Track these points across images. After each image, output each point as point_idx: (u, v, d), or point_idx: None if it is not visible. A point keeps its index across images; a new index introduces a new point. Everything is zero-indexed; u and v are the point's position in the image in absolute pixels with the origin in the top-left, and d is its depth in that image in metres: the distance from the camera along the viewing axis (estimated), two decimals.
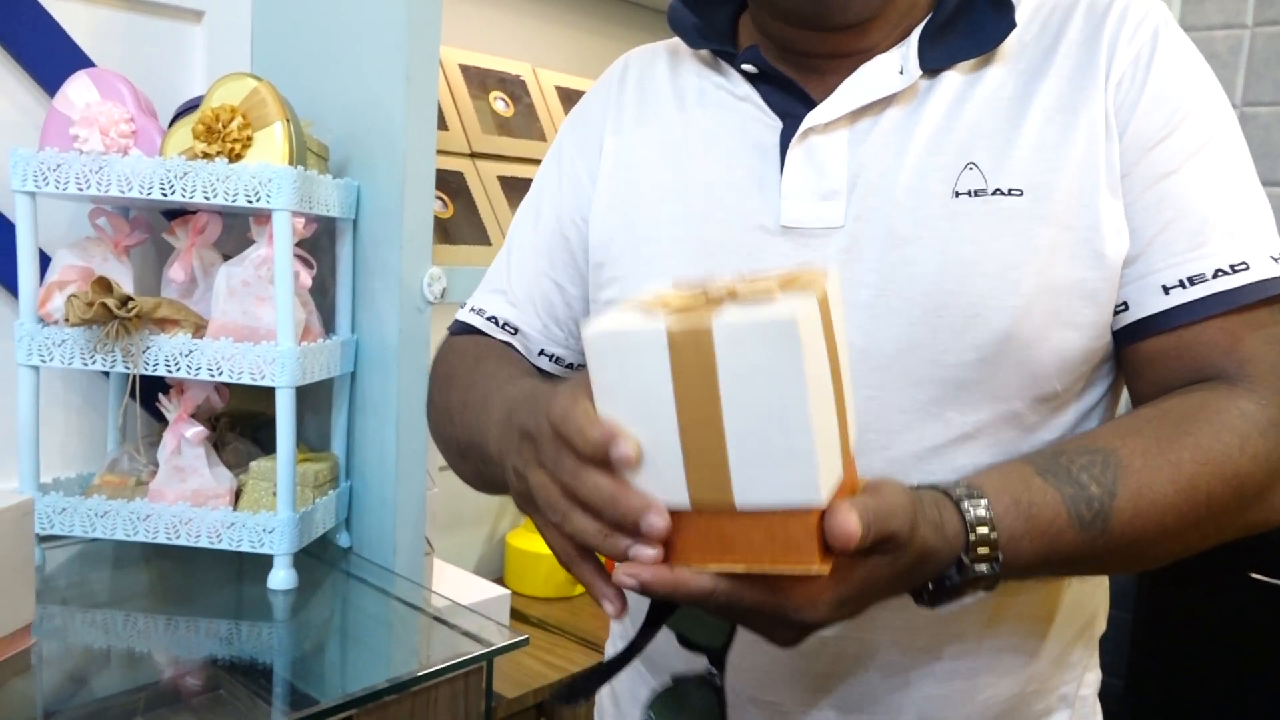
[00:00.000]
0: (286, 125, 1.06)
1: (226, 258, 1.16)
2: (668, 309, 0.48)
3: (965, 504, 0.55)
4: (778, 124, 0.69)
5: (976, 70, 0.66)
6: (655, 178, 0.73)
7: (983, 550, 0.54)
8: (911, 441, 0.63)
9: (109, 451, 1.24)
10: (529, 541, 1.68)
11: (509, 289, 0.82)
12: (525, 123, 1.47)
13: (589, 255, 0.77)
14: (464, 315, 0.85)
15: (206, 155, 1.03)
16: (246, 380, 1.05)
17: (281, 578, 1.09)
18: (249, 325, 1.08)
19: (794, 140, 0.67)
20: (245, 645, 1.01)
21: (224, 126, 1.03)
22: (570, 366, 0.83)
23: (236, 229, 1.19)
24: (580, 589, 1.70)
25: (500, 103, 1.45)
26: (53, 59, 1.17)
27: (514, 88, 1.48)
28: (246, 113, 1.04)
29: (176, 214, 1.24)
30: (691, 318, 0.46)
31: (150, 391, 1.28)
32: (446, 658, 0.97)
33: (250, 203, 1.02)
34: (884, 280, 0.64)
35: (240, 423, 1.31)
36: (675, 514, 0.48)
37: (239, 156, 1.04)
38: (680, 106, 0.75)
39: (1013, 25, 0.65)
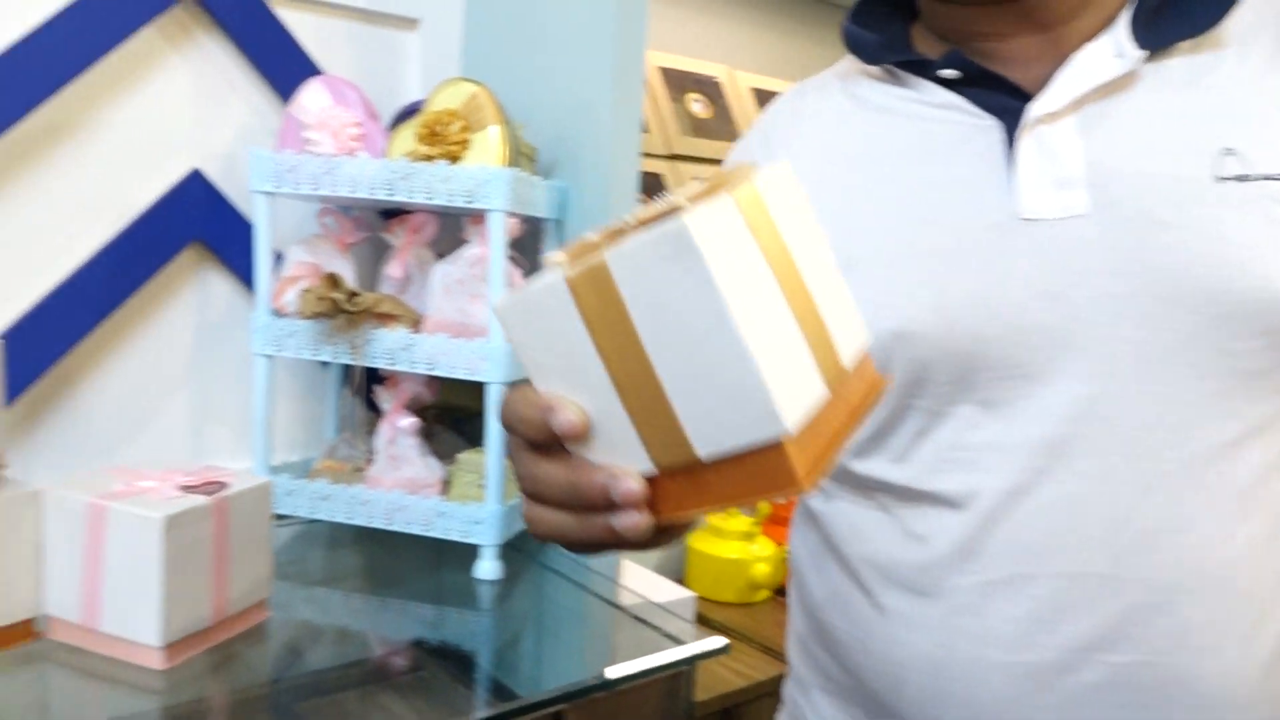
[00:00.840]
0: (502, 129, 1.09)
1: (439, 256, 1.21)
2: (570, 256, 0.41)
3: None
4: (993, 122, 0.67)
5: (1202, 52, 0.63)
6: (854, 201, 0.70)
7: None
8: (1202, 439, 0.60)
9: (327, 438, 1.31)
10: (711, 544, 1.68)
11: None
12: (722, 125, 1.47)
13: None
14: None
15: (428, 157, 1.07)
16: (460, 375, 1.08)
17: (488, 568, 1.12)
18: (462, 321, 1.12)
19: (1021, 131, 0.64)
20: (451, 631, 1.05)
21: (445, 130, 1.07)
22: None
23: (448, 228, 1.24)
24: (761, 595, 1.68)
25: (697, 105, 1.45)
26: (285, 65, 1.24)
27: (710, 90, 1.48)
28: (466, 116, 1.08)
29: (393, 214, 1.30)
30: (588, 257, 0.39)
31: (364, 382, 1.34)
32: (647, 658, 0.98)
33: (468, 203, 1.06)
34: (1147, 269, 0.60)
35: (445, 415, 1.36)
36: (646, 478, 0.42)
37: (458, 159, 1.08)
38: (871, 124, 0.72)
39: (1231, 3, 0.61)
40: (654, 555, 1.77)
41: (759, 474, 0.39)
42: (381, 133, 1.13)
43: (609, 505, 0.42)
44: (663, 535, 0.45)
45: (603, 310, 0.40)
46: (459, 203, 1.06)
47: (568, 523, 0.44)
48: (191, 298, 1.24)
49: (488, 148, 1.08)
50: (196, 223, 1.21)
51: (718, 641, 1.01)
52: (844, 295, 0.46)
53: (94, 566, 0.85)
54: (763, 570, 1.66)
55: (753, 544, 1.69)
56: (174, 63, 1.19)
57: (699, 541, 1.70)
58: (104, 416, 1.20)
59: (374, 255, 1.32)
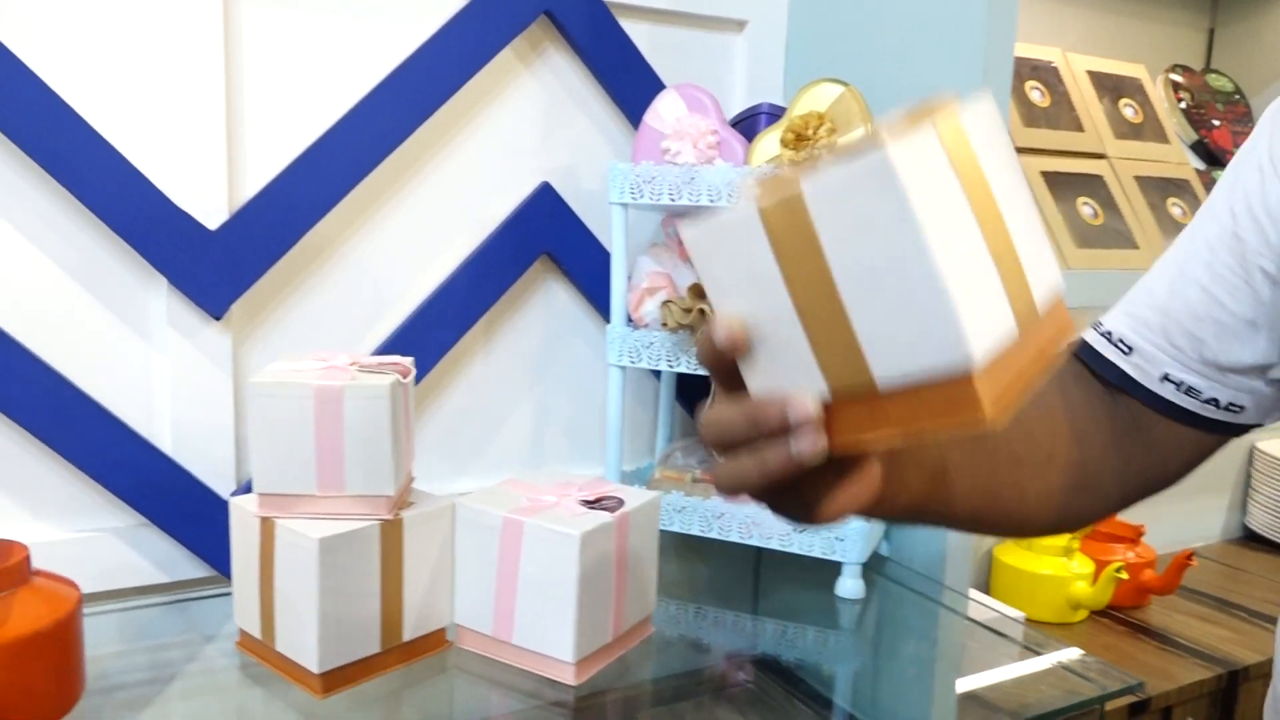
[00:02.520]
0: (869, 130, 1.04)
1: None
2: (764, 189, 0.41)
3: None
4: None
5: None
6: None
7: None
8: None
9: (659, 447, 1.31)
10: (1022, 559, 1.58)
11: (1131, 301, 0.70)
12: (1061, 112, 1.37)
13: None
14: (1087, 335, 0.73)
15: (794, 162, 1.04)
16: None
17: (850, 586, 1.08)
18: None
19: None
20: (816, 651, 1.01)
21: (813, 133, 1.03)
22: (1214, 403, 0.67)
23: None
24: (1080, 615, 1.57)
25: (1035, 92, 1.36)
26: (628, 76, 1.24)
27: (1047, 75, 1.38)
28: (833, 119, 1.04)
29: None
30: (781, 187, 0.40)
31: (684, 392, 1.33)
32: (1049, 693, 0.91)
33: None
34: None
35: None
36: (823, 405, 0.42)
37: None
38: None
39: None
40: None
41: (942, 404, 0.39)
42: (737, 139, 1.11)
43: (785, 428, 0.42)
44: (840, 492, 0.46)
45: (794, 239, 0.40)
46: None
47: (748, 466, 0.44)
48: (538, 309, 1.27)
49: None
50: (546, 235, 1.23)
51: (1127, 678, 0.93)
52: (1040, 236, 0.45)
53: (508, 580, 0.87)
54: (1083, 590, 1.54)
55: (1071, 560, 1.58)
56: (524, 79, 1.21)
57: (1008, 555, 1.60)
58: (459, 425, 1.24)
59: None
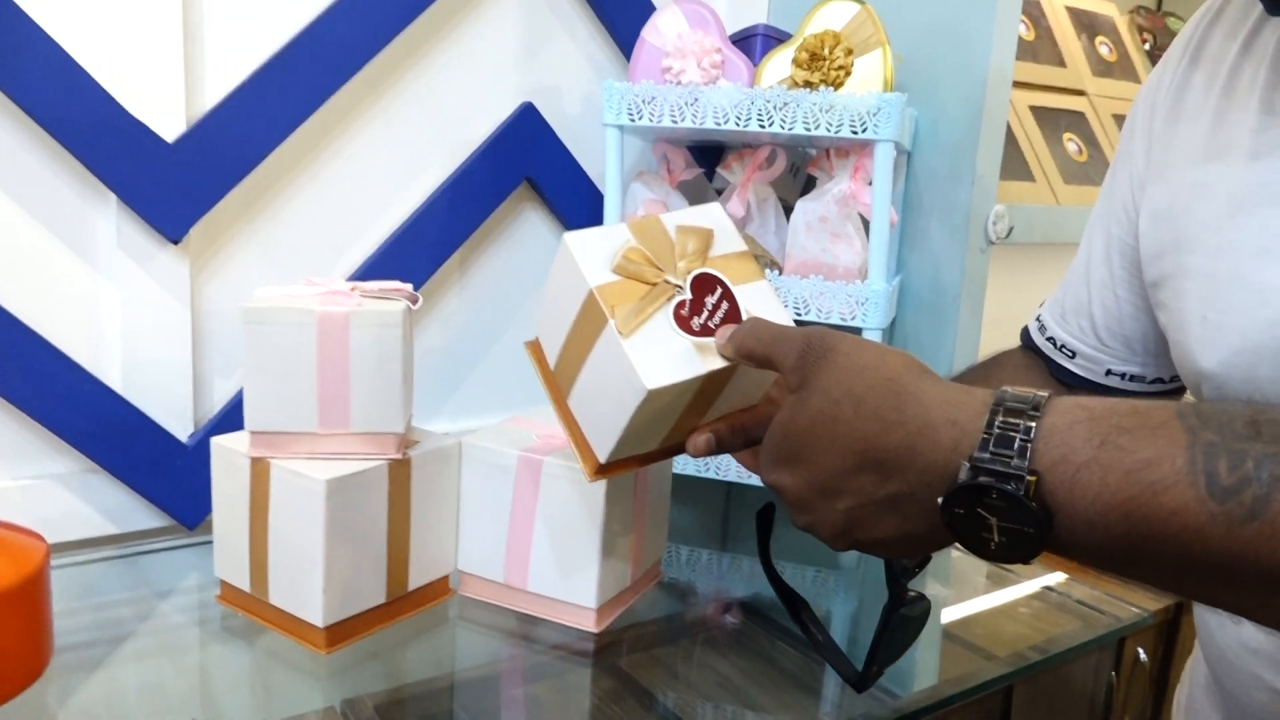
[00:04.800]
0: (884, 51, 0.99)
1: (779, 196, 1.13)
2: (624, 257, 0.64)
3: (1008, 389, 0.45)
4: None
5: None
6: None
7: (1003, 455, 0.42)
8: None
9: None
10: None
11: (1063, 300, 0.75)
12: (1045, 46, 1.35)
13: (1143, 271, 0.66)
14: (1033, 326, 0.78)
15: (808, 84, 0.99)
16: (834, 320, 1.01)
17: None
18: (826, 263, 1.04)
19: None
20: (817, 590, 0.99)
21: (829, 53, 0.98)
22: (1160, 380, 0.73)
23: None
24: None
25: (1021, 25, 1.33)
26: None
27: (1030, 8, 1.36)
28: (849, 38, 0.99)
29: (713, 151, 1.22)
30: (616, 298, 0.62)
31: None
32: (1065, 629, 0.90)
33: (854, 133, 0.97)
34: None
35: None
36: None
37: (839, 85, 0.99)
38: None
39: None
40: None
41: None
42: (741, 58, 1.05)
43: None
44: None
45: (587, 331, 0.63)
46: (844, 133, 0.97)
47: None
48: (518, 240, 1.19)
49: (871, 72, 0.99)
50: (528, 159, 1.14)
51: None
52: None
53: (523, 523, 0.81)
54: None
55: None
56: None
57: None
58: (433, 364, 1.16)
59: (695, 194, 1.25)
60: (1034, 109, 1.28)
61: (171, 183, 0.93)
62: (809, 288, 1.01)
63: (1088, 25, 1.44)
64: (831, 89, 0.98)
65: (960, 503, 0.44)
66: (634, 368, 0.59)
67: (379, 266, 1.06)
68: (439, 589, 0.84)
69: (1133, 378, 0.72)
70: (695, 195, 1.23)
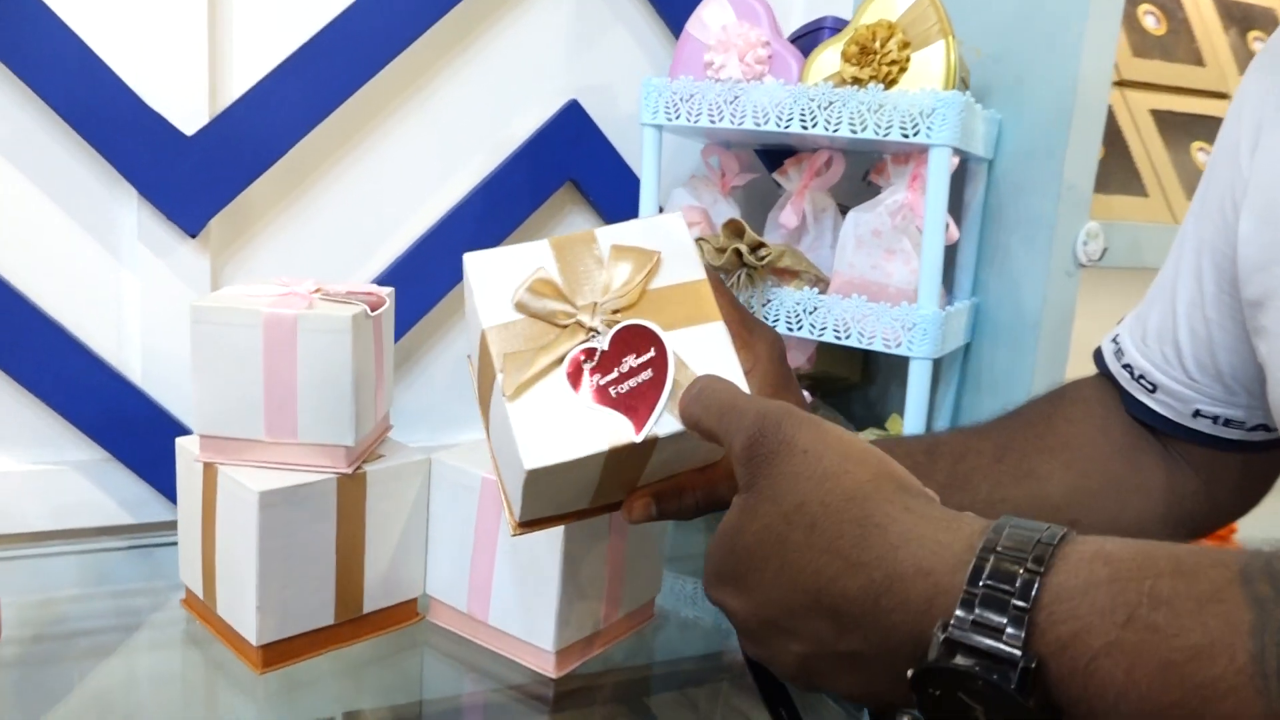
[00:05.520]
0: (948, 43, 0.87)
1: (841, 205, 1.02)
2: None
3: (1009, 520, 0.35)
4: None
5: None
6: None
7: (989, 625, 0.31)
8: None
9: None
10: None
11: (1145, 319, 0.63)
12: (1180, 42, 1.17)
13: (1240, 288, 0.53)
14: (1107, 348, 0.67)
15: (857, 80, 0.88)
16: (878, 346, 0.90)
17: None
18: (877, 282, 0.93)
19: None
20: None
21: (880, 46, 0.87)
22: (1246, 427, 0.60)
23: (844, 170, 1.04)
24: None
25: (1150, 18, 1.17)
26: None
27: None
28: (906, 29, 0.88)
29: (777, 153, 1.12)
30: (514, 351, 0.54)
31: None
32: None
33: (905, 136, 0.86)
34: None
35: (819, 388, 1.18)
36: None
37: (893, 82, 0.88)
38: None
39: None
40: None
41: None
42: (792, 54, 0.95)
43: None
44: None
45: (486, 376, 0.55)
46: (894, 136, 0.86)
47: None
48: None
49: (929, 68, 0.88)
50: (571, 160, 1.08)
51: None
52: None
53: (485, 550, 0.75)
54: None
55: None
56: None
57: None
58: (465, 372, 1.12)
59: (748, 200, 1.16)
60: (1157, 114, 1.11)
61: (188, 176, 0.92)
62: (851, 309, 0.90)
63: (1240, 18, 1.25)
64: (882, 86, 0.87)
65: (934, 684, 0.33)
66: (515, 441, 0.51)
67: (408, 268, 1.03)
68: (403, 613, 0.79)
69: (1228, 421, 0.59)
70: (753, 202, 1.14)
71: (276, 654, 0.71)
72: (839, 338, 0.91)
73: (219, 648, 0.74)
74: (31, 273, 0.91)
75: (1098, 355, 0.69)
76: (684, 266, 0.56)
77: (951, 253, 1.04)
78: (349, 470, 0.72)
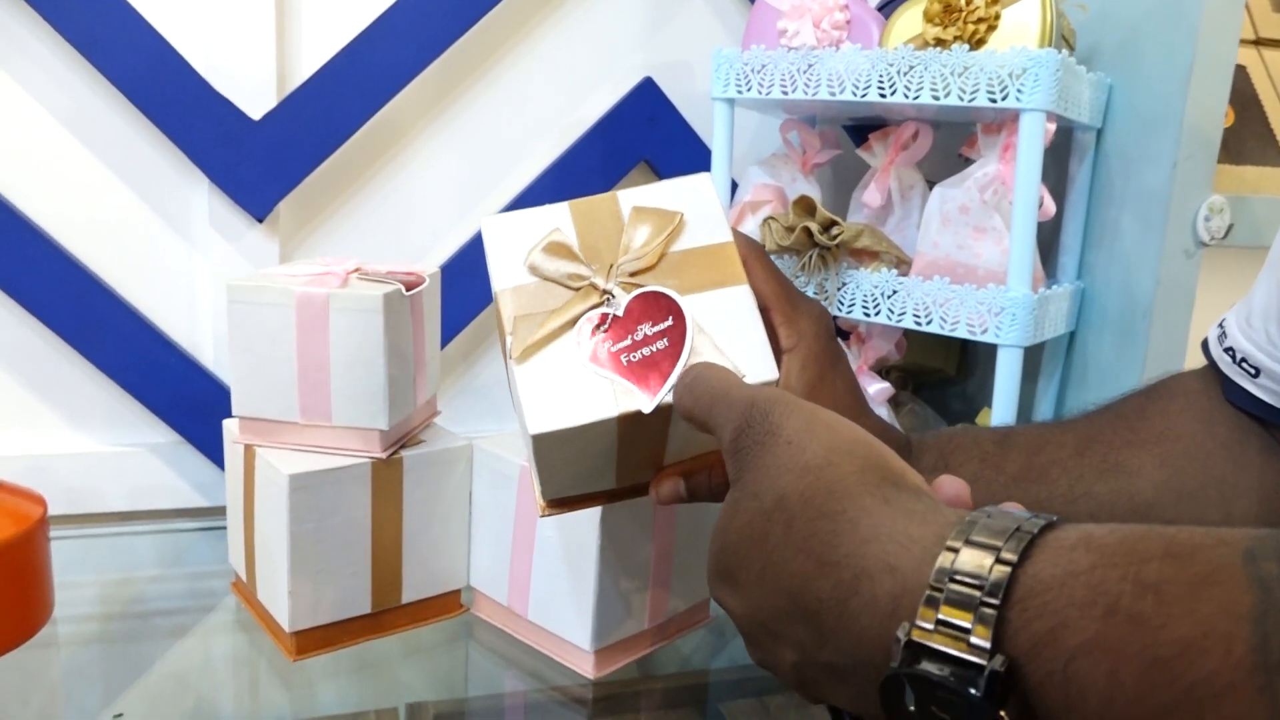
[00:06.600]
0: (1045, 0, 0.79)
1: (929, 181, 0.94)
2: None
3: (987, 510, 0.29)
4: None
5: None
6: None
7: (952, 627, 0.26)
8: None
9: None
10: None
11: (1250, 299, 0.56)
12: None
13: None
14: (1212, 334, 0.59)
15: (940, 42, 0.81)
16: (962, 333, 0.82)
17: None
18: (964, 263, 0.85)
19: None
20: None
21: (966, 4, 0.80)
22: None
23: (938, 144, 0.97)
24: None
25: None
26: None
27: None
28: None
29: (867, 129, 1.05)
30: (529, 324, 0.51)
31: None
32: None
33: (992, 101, 0.78)
34: None
35: (910, 380, 1.11)
36: None
37: (981, 42, 0.80)
38: None
39: None
40: None
41: None
42: (874, 18, 0.88)
43: None
44: None
45: (504, 348, 0.52)
46: (980, 101, 0.78)
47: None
48: None
49: (1023, 27, 0.79)
50: (646, 139, 1.04)
51: None
52: None
53: (524, 542, 0.71)
54: None
55: None
56: None
57: None
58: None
59: (839, 180, 1.09)
60: None
61: (256, 160, 0.92)
62: (933, 291, 0.83)
63: None
64: (968, 47, 0.80)
65: (902, 695, 0.29)
66: (522, 403, 0.48)
67: (473, 253, 1.01)
68: (445, 605, 0.77)
69: None
70: (840, 182, 1.07)
71: (311, 641, 0.70)
72: (919, 323, 0.84)
73: (261, 634, 0.74)
74: (108, 259, 0.93)
75: (1205, 344, 0.60)
76: (710, 229, 0.53)
77: (1055, 233, 0.95)
78: (383, 455, 0.70)
